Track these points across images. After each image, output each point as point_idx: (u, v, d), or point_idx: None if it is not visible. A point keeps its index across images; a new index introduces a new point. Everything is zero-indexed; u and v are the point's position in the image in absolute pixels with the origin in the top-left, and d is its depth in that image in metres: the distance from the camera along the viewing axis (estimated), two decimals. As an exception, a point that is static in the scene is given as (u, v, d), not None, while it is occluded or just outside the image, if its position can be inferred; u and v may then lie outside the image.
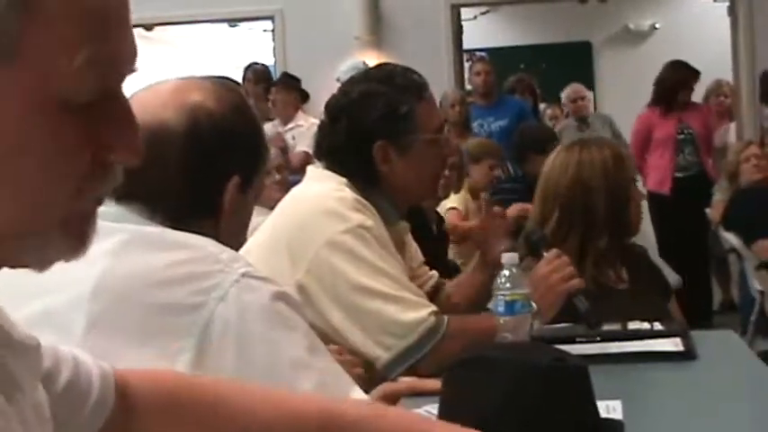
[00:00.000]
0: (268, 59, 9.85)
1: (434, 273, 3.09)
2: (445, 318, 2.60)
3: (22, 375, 0.94)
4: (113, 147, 0.92)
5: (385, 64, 2.94)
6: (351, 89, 2.75)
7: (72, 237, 0.93)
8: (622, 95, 9.99)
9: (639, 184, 8.08)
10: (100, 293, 1.46)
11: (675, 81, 8.15)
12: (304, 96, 8.62)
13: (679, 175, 8.07)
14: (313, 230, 2.56)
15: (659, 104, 8.19)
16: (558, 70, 11.58)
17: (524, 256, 2.82)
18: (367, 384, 1.61)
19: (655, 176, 8.17)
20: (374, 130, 2.67)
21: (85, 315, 1.45)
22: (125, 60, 0.91)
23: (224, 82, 1.82)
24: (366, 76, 2.83)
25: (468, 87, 8.80)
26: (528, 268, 2.77)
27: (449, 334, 2.56)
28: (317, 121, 6.97)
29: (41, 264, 0.93)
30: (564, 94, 9.32)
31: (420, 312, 2.57)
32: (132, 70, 0.92)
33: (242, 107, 1.74)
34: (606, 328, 2.98)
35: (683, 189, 7.88)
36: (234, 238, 1.72)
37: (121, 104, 0.92)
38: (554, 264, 2.74)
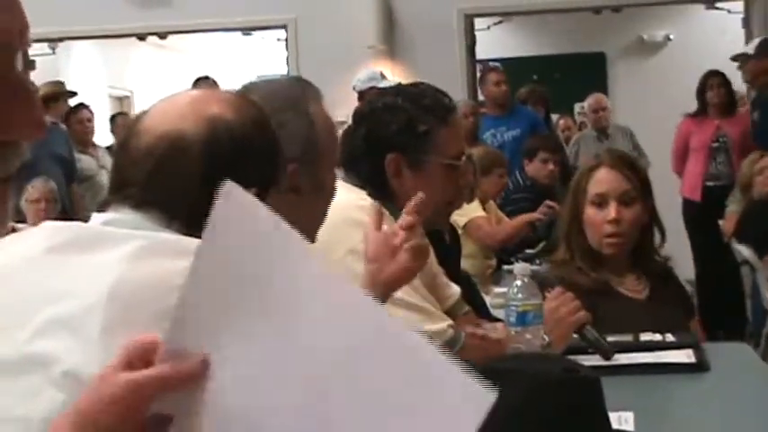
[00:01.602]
0: (281, 68, 9.87)
1: (456, 290, 3.08)
2: (462, 332, 2.61)
3: None
4: (11, 124, 0.89)
5: (420, 83, 2.93)
6: (377, 99, 2.78)
7: None
8: (636, 106, 9.99)
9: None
10: (116, 298, 1.47)
11: (702, 85, 8.18)
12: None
13: (709, 184, 8.08)
14: (337, 239, 2.57)
15: (696, 113, 8.22)
16: (572, 81, 11.58)
17: None
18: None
19: (688, 183, 8.23)
20: (389, 142, 2.69)
21: (101, 319, 1.46)
22: (11, 39, 0.90)
23: (243, 95, 1.83)
24: (397, 89, 2.87)
25: (481, 97, 8.80)
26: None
27: (465, 348, 2.57)
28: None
29: None
30: (586, 104, 9.29)
31: (440, 324, 2.59)
32: (24, 44, 0.91)
33: (260, 120, 1.75)
34: (618, 338, 2.99)
35: (712, 198, 7.88)
36: None
37: (14, 82, 0.90)
38: (560, 299, 2.77)
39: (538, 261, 5.26)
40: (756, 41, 7.79)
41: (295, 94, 2.26)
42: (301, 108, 2.23)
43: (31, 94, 0.89)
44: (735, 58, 7.90)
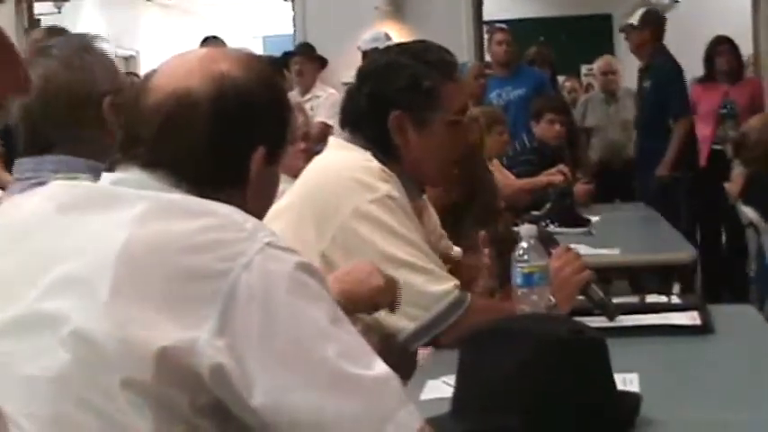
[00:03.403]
0: (288, 29, 9.84)
1: (458, 250, 3.08)
2: (468, 293, 2.62)
3: None
4: None
5: (421, 41, 2.93)
6: (381, 57, 2.78)
7: None
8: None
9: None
10: (125, 260, 1.47)
11: (709, 51, 8.17)
12: (323, 63, 8.60)
13: (716, 147, 8.07)
14: (340, 199, 2.57)
15: (704, 78, 8.22)
16: (578, 43, 11.54)
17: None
18: (386, 355, 1.62)
19: None
20: (393, 99, 2.68)
21: (110, 281, 1.46)
22: None
23: (252, 53, 1.82)
24: (400, 47, 2.85)
25: (488, 59, 8.76)
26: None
27: (471, 308, 2.58)
28: (335, 92, 6.97)
29: None
30: (595, 66, 9.25)
31: (445, 285, 2.59)
32: None
33: (269, 78, 1.75)
34: (623, 300, 2.99)
35: (717, 161, 7.87)
36: (260, 208, 1.72)
37: None
38: (564, 258, 2.75)
39: (543, 223, 5.26)
40: (640, 12, 7.89)
41: None
42: None
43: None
44: (621, 29, 8.02)
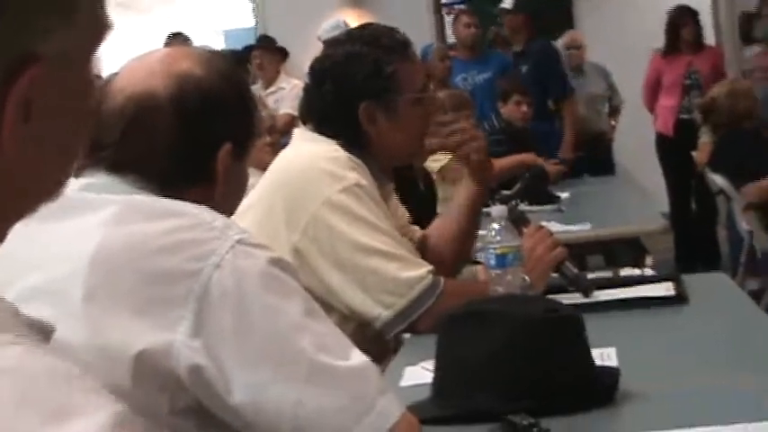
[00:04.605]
0: (248, 22, 9.82)
1: (416, 228, 3.08)
2: (442, 278, 2.62)
3: None
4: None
5: (368, 24, 2.93)
6: (335, 51, 2.76)
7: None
8: (604, 44, 9.93)
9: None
10: (96, 265, 1.47)
11: (673, 22, 8.20)
12: (284, 55, 8.58)
13: (683, 117, 8.11)
14: (309, 191, 2.57)
15: (667, 50, 8.24)
16: (538, 19, 11.49)
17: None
18: (363, 344, 1.62)
19: (662, 118, 8.29)
20: (359, 92, 2.67)
21: (82, 287, 1.46)
22: None
23: (212, 50, 1.82)
24: (350, 36, 2.82)
25: (451, 41, 8.76)
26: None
27: (446, 292, 2.58)
28: (300, 83, 6.98)
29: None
30: (561, 41, 9.23)
31: (418, 270, 2.59)
32: None
33: (231, 74, 1.74)
34: (597, 275, 3.00)
35: (685, 130, 7.91)
36: (230, 204, 1.72)
37: None
38: (536, 236, 2.76)
39: (514, 202, 5.27)
40: None
41: None
42: None
43: None
44: (496, 13, 8.16)
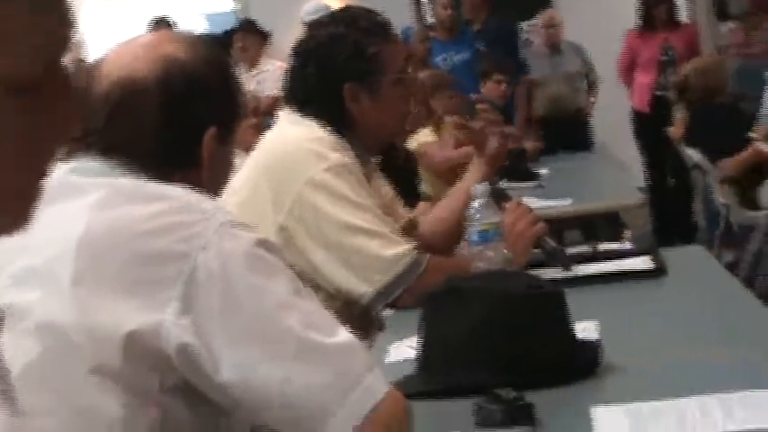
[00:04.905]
0: (229, 4, 9.78)
1: (407, 210, 3.09)
2: (426, 254, 2.63)
3: None
4: (63, 126, 0.86)
5: (350, 7, 2.94)
6: (317, 33, 2.76)
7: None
8: (581, 23, 9.91)
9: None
10: (84, 249, 1.46)
11: (646, 1, 8.22)
12: (266, 38, 8.56)
13: (658, 93, 8.13)
14: (295, 171, 2.57)
15: (642, 27, 8.24)
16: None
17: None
18: (349, 321, 1.62)
19: (638, 95, 8.32)
20: (342, 73, 2.68)
21: (70, 270, 1.45)
22: None
23: (196, 34, 1.81)
24: (332, 18, 2.83)
25: (431, 21, 8.76)
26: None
27: (429, 268, 2.58)
28: (282, 64, 7.00)
29: None
30: (540, 20, 9.21)
31: (401, 247, 2.60)
32: None
33: (215, 58, 1.74)
34: (577, 250, 3.01)
35: (661, 107, 7.93)
36: (216, 186, 1.72)
37: None
38: (516, 212, 2.77)
39: (494, 179, 5.27)
40: None
41: None
42: None
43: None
44: None
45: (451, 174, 5.68)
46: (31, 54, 0.80)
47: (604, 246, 3.09)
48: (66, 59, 0.86)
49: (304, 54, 2.74)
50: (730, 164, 6.03)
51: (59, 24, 0.83)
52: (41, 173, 0.88)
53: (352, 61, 2.67)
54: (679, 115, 6.92)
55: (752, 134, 6.04)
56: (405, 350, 2.18)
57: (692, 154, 6.38)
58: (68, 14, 0.85)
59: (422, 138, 5.71)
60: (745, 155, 6.01)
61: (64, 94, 0.85)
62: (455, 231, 2.95)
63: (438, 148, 5.80)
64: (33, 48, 0.80)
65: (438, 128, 5.99)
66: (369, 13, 2.78)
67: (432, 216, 3.13)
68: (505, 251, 2.59)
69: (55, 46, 0.83)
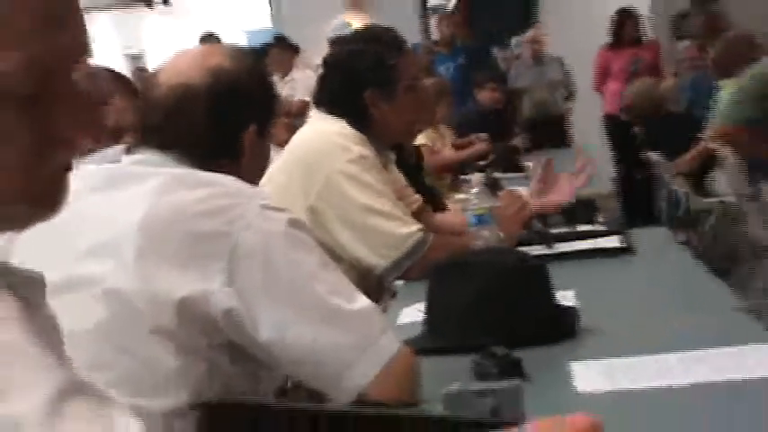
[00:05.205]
0: (266, 23, 9.79)
1: (418, 197, 3.09)
2: (431, 234, 2.63)
3: (34, 297, 0.85)
4: (68, 131, 0.80)
5: (371, 25, 2.94)
6: (343, 47, 2.78)
7: (40, 205, 0.81)
8: (564, 38, 9.87)
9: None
10: (145, 227, 1.47)
11: (617, 21, 8.22)
12: (296, 50, 8.59)
13: None
14: (323, 161, 2.57)
15: (612, 44, 8.26)
16: (508, 16, 11.34)
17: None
18: (366, 289, 1.62)
19: (610, 101, 8.29)
20: (364, 81, 2.68)
21: (134, 246, 1.45)
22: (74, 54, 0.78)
23: (240, 46, 1.81)
24: (355, 36, 2.86)
25: (435, 38, 8.84)
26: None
27: (433, 246, 2.58)
28: (310, 72, 6.93)
29: (16, 229, 0.83)
30: (527, 37, 9.17)
31: (411, 228, 2.60)
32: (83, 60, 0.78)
33: (255, 67, 1.75)
34: (558, 231, 3.01)
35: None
36: (255, 176, 1.73)
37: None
38: (509, 199, 2.81)
39: (489, 170, 5.26)
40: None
41: None
42: None
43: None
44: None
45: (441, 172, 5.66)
46: (27, 65, 0.74)
47: (582, 227, 3.07)
48: (78, 70, 0.80)
49: (333, 64, 2.76)
50: (683, 161, 6.08)
51: (60, 37, 0.77)
52: (56, 170, 0.81)
53: (374, 71, 2.68)
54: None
55: (701, 135, 6.06)
56: (414, 314, 2.17)
57: (652, 155, 6.40)
58: (71, 29, 0.78)
59: (421, 139, 5.67)
60: (694, 152, 6.04)
61: (68, 102, 0.79)
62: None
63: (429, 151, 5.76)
64: (30, 59, 0.75)
65: (435, 130, 5.95)
66: (387, 31, 2.80)
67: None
68: (499, 232, 2.60)
69: (55, 58, 0.77)
